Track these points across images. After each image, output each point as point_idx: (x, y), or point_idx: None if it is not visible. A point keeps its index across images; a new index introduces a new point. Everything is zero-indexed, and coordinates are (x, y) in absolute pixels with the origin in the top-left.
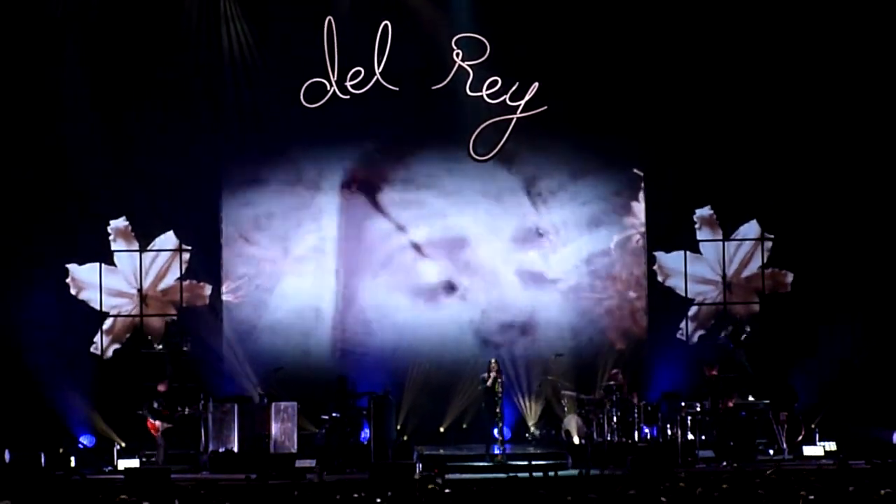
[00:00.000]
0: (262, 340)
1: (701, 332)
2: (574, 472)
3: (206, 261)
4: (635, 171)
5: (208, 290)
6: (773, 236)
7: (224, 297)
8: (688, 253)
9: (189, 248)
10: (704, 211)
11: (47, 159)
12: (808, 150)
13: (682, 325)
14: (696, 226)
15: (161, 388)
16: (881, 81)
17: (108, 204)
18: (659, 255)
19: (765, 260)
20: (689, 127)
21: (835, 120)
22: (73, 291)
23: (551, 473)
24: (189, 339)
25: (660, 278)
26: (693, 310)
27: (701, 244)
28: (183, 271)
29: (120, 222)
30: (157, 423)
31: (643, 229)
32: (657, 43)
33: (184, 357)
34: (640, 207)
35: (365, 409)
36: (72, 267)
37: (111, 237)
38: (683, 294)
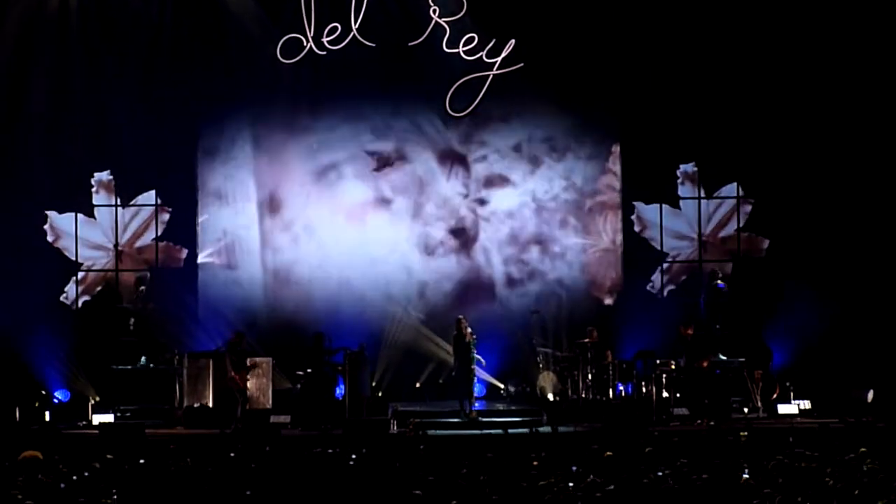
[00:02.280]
0: (237, 298)
1: (671, 286)
2: (547, 428)
3: (184, 224)
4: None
5: (184, 253)
6: (752, 200)
7: (200, 261)
8: (667, 207)
9: (169, 209)
10: (688, 167)
11: (35, 108)
12: (797, 119)
13: (654, 277)
14: (679, 181)
15: (235, 339)
16: (869, 55)
17: (94, 157)
18: (638, 205)
19: (741, 223)
20: (672, 85)
21: (824, 93)
22: (49, 238)
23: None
24: (150, 293)
25: (637, 228)
26: (665, 265)
27: (681, 201)
28: (160, 232)
29: (104, 175)
30: (240, 375)
31: (618, 185)
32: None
33: (150, 311)
34: (615, 166)
35: (340, 366)
36: (51, 214)
37: (94, 189)
38: (659, 248)
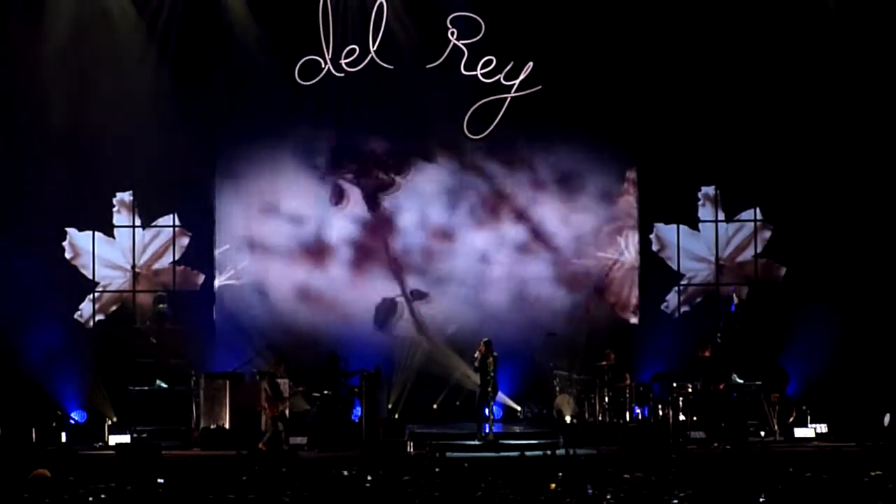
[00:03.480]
0: (255, 321)
1: (686, 308)
2: (564, 451)
3: (204, 249)
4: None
5: (201, 278)
6: (772, 227)
7: (217, 286)
8: (686, 228)
9: (189, 233)
10: (709, 189)
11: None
12: (820, 149)
13: (669, 297)
14: (700, 203)
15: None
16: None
17: (117, 176)
18: (658, 225)
19: (760, 249)
20: (697, 106)
21: (850, 126)
22: (68, 255)
23: (547, 453)
24: (169, 312)
25: (655, 247)
26: (682, 286)
27: (701, 223)
28: (178, 257)
29: (126, 196)
30: (280, 403)
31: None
32: (656, 22)
33: (167, 331)
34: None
35: (357, 388)
36: (71, 231)
37: (115, 209)
38: (675, 268)
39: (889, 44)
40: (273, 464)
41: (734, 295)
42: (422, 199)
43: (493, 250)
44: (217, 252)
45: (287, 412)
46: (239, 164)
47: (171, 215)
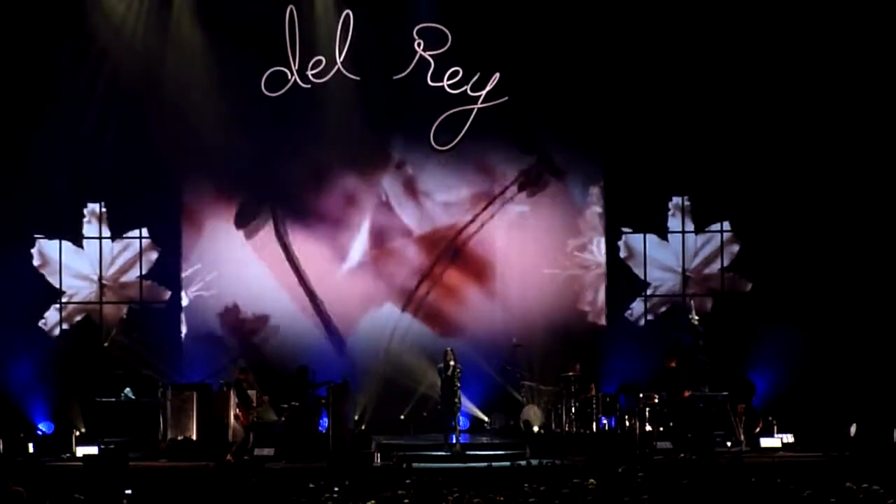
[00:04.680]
0: (223, 333)
1: (650, 317)
2: (533, 462)
3: (171, 263)
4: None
5: (168, 294)
6: (740, 242)
7: (185, 301)
8: (655, 238)
9: (158, 248)
10: (681, 200)
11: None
12: (792, 166)
13: (633, 305)
14: (671, 212)
15: (242, 376)
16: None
17: (88, 187)
18: (626, 232)
19: (726, 263)
20: (668, 115)
21: (821, 143)
22: (36, 262)
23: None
24: (132, 324)
25: (623, 254)
26: (647, 294)
27: (670, 234)
28: (145, 271)
29: (97, 207)
30: (251, 414)
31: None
32: (625, 32)
33: (133, 343)
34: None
35: (324, 399)
36: (41, 239)
37: (86, 219)
38: (642, 277)
39: (863, 61)
40: (239, 475)
41: (691, 304)
42: (385, 208)
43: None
44: (185, 267)
45: (256, 421)
46: (205, 177)
47: (140, 229)
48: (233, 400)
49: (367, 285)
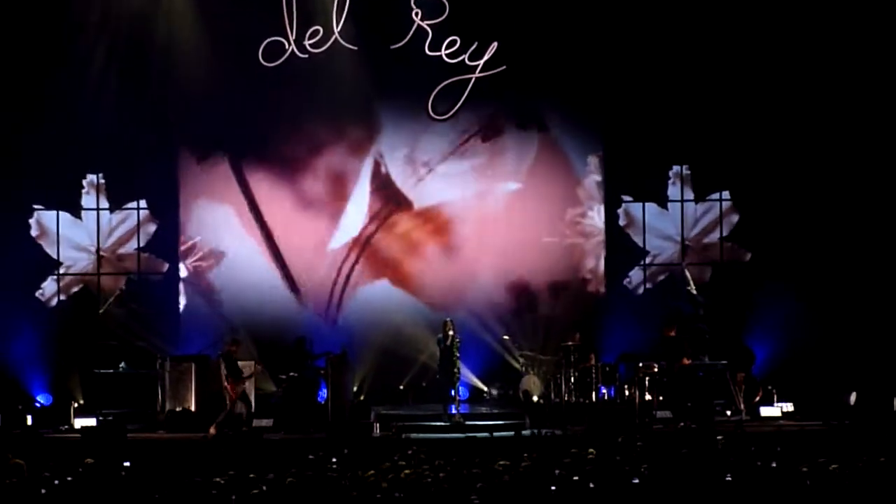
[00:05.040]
0: (222, 304)
1: (648, 285)
2: (530, 431)
3: (170, 236)
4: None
5: (166, 266)
6: (740, 211)
7: (182, 272)
8: (655, 206)
9: (156, 220)
10: (682, 168)
11: (39, 104)
12: (793, 136)
13: (632, 274)
14: (671, 181)
15: (233, 348)
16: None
17: (89, 158)
18: (626, 201)
19: (726, 233)
20: (667, 86)
21: (824, 115)
22: (34, 233)
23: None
24: (129, 294)
25: (622, 222)
26: (645, 263)
27: (670, 203)
28: (143, 243)
29: (95, 178)
30: (239, 384)
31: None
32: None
33: (131, 314)
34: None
35: (323, 370)
36: (39, 209)
37: (85, 190)
38: (641, 246)
39: (866, 28)
40: (235, 445)
41: (688, 275)
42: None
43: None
44: (184, 239)
45: (251, 393)
46: (203, 148)
47: (138, 201)
48: (222, 372)
49: (363, 260)
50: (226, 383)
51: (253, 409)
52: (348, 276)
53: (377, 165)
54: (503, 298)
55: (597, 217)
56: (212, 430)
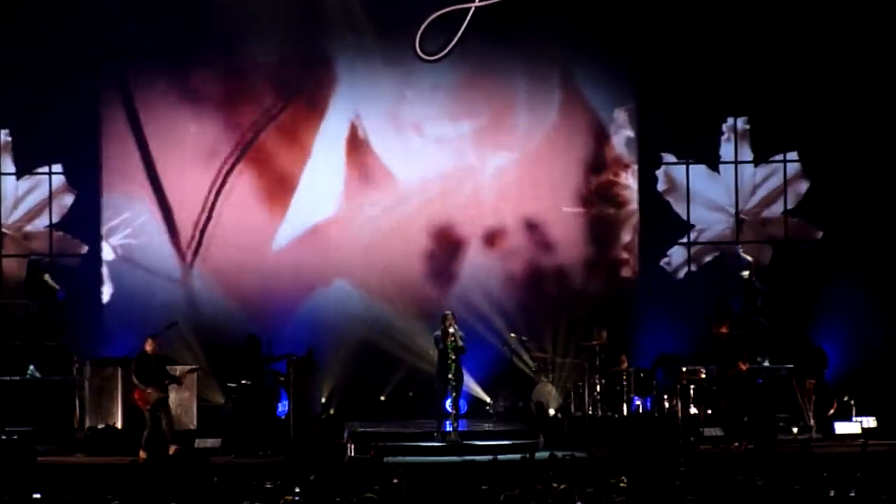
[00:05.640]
0: (155, 294)
1: (692, 267)
2: (545, 454)
3: (91, 207)
4: None
5: (84, 249)
6: (810, 179)
7: (107, 252)
8: (704, 168)
9: (74, 191)
10: (739, 122)
11: None
12: (880, 81)
13: (671, 252)
14: (724, 136)
15: (148, 347)
16: None
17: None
18: (668, 162)
19: (791, 205)
20: (709, 21)
21: None
22: None
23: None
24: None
25: (661, 187)
26: (687, 240)
27: (722, 164)
28: (56, 219)
29: (2, 135)
30: (150, 390)
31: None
32: None
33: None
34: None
35: (283, 376)
36: None
37: None
38: (684, 217)
39: None
40: (173, 472)
41: (743, 254)
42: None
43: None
44: (109, 215)
45: (191, 406)
46: (133, 98)
47: (50, 165)
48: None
49: (333, 247)
50: (134, 395)
51: (195, 426)
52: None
53: (353, 129)
54: (509, 286)
55: (630, 180)
56: (142, 454)
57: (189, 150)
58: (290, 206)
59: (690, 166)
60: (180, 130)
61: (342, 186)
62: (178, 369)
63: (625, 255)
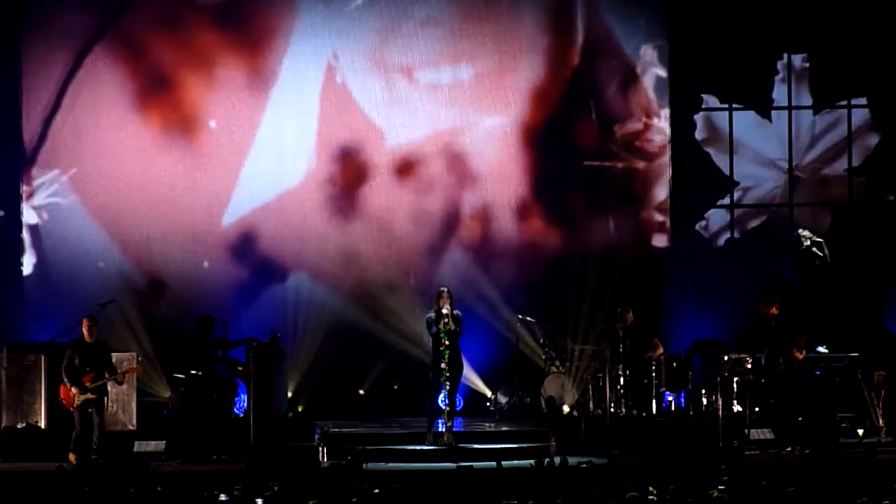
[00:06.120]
0: (89, 265)
1: (734, 234)
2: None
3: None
4: None
5: (0, 213)
6: (881, 131)
7: (30, 217)
8: (753, 115)
9: None
10: (796, 60)
11: None
12: None
13: (710, 214)
14: (779, 77)
15: (86, 331)
16: None
17: None
18: (711, 103)
19: (857, 161)
20: None
21: None
22: None
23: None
24: None
25: (701, 135)
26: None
27: (775, 110)
28: None
29: None
30: (74, 389)
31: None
32: None
33: None
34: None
35: (241, 365)
36: None
37: None
38: (727, 173)
39: None
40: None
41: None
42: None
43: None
44: (34, 173)
45: (130, 402)
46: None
47: None
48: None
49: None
50: (65, 389)
51: (134, 426)
52: None
53: (329, 71)
54: (516, 257)
55: (664, 125)
56: (71, 458)
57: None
58: (247, 165)
59: (736, 112)
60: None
61: (314, 143)
62: (125, 360)
63: (659, 218)
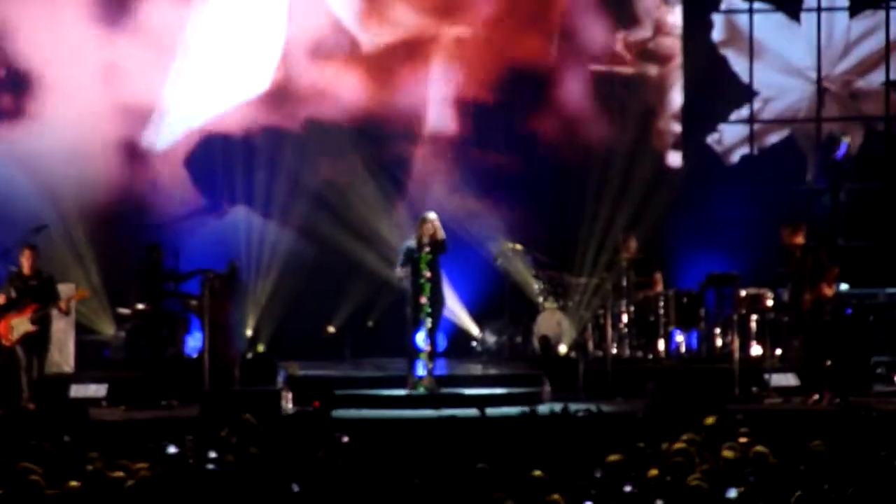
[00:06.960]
0: (21, 184)
1: (752, 150)
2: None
3: None
4: None
5: None
6: None
7: None
8: (781, 17)
9: None
10: None
11: None
12: None
13: (723, 127)
14: None
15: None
16: None
17: None
18: (727, 10)
19: (894, 74)
20: None
21: None
22: None
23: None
24: None
25: (719, 37)
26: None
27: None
28: None
29: None
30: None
31: None
32: None
33: None
34: None
35: (195, 299)
36: None
37: None
38: (746, 81)
39: None
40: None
41: (841, 137)
42: None
43: None
44: None
45: (69, 339)
46: None
47: None
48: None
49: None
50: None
51: (71, 367)
52: None
53: None
54: (508, 178)
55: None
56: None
57: None
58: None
59: (759, 13)
60: None
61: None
62: (64, 291)
63: (675, 128)
